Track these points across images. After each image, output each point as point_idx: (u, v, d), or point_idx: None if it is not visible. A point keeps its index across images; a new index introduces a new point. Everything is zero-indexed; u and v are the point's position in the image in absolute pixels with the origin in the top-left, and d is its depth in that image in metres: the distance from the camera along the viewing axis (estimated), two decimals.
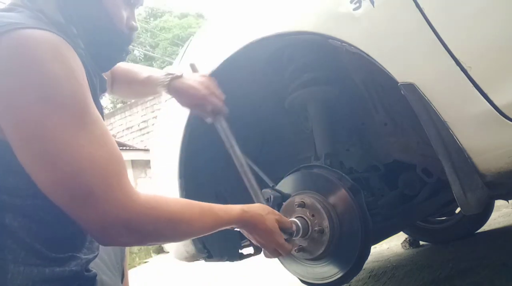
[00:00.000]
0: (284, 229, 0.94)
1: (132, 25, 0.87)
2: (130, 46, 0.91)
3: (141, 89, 1.20)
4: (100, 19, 0.80)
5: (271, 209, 0.94)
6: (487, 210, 2.13)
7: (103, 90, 0.86)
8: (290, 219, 1.00)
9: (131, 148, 9.34)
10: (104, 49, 0.84)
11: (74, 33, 0.75)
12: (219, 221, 0.81)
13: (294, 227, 0.98)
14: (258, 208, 0.91)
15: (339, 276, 1.02)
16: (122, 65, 1.17)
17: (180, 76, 1.13)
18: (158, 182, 1.45)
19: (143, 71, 1.18)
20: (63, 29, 0.72)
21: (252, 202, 1.11)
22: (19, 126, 0.60)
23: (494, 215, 2.32)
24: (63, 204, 0.63)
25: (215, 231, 0.81)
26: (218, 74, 1.23)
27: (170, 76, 1.13)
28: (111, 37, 0.83)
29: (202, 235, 0.82)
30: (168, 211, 0.71)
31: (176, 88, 1.12)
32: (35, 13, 0.71)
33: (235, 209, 0.85)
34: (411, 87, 0.82)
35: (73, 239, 0.73)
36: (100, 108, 0.78)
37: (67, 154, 0.61)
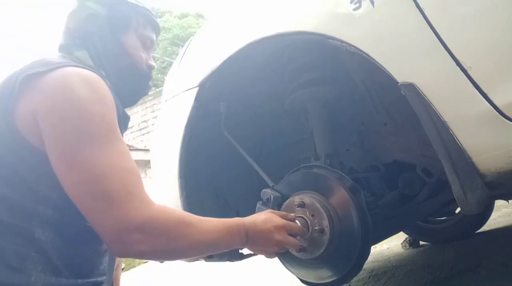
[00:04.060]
0: (293, 233, 0.95)
1: (150, 65, 1.05)
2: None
3: None
4: (124, 60, 0.98)
5: (276, 213, 0.96)
6: (487, 210, 2.13)
7: (125, 127, 0.97)
8: (296, 215, 1.01)
9: (131, 148, 9.34)
10: (129, 85, 1.01)
11: (102, 75, 0.91)
12: (221, 224, 0.84)
13: (300, 226, 0.98)
14: (257, 214, 0.94)
15: (339, 276, 1.02)
16: None
17: None
18: (158, 182, 1.45)
19: None
20: (94, 71, 0.86)
21: (253, 202, 1.12)
22: (56, 136, 0.73)
23: (494, 215, 2.32)
24: (84, 206, 0.72)
25: (221, 241, 0.83)
26: (218, 74, 1.23)
27: None
28: (134, 75, 1.01)
29: (210, 244, 0.82)
30: (176, 215, 0.78)
31: None
32: (72, 58, 0.91)
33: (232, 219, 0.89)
34: (411, 87, 0.82)
35: (88, 261, 0.82)
36: None
37: (92, 160, 0.71)
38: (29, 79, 0.76)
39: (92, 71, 0.83)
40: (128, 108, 1.05)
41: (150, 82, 1.07)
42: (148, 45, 1.05)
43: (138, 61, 1.01)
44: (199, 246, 0.80)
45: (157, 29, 1.09)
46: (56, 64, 0.79)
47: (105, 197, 0.70)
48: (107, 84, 0.84)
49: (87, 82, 0.77)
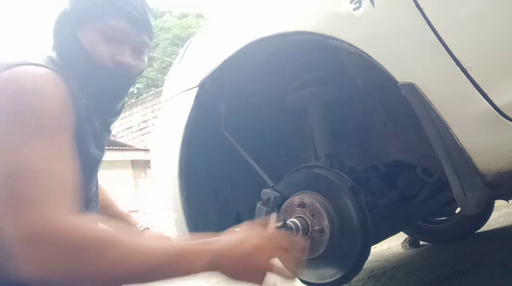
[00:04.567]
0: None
1: (117, 60, 0.89)
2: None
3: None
4: (80, 57, 0.87)
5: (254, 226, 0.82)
6: (487, 210, 2.13)
7: (107, 129, 0.95)
8: (288, 221, 1.01)
9: (131, 148, 9.35)
10: (95, 85, 0.88)
11: (70, 75, 0.83)
12: (172, 247, 0.70)
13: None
14: (232, 233, 0.77)
15: (339, 276, 1.03)
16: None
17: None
18: (158, 182, 1.45)
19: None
20: (61, 72, 0.80)
21: (253, 202, 1.11)
22: None
23: (494, 215, 2.32)
24: (2, 201, 0.62)
25: (167, 266, 0.67)
26: (218, 74, 1.23)
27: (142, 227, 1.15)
28: (96, 73, 0.87)
29: (146, 270, 0.65)
30: (98, 233, 0.63)
31: None
32: (45, 59, 0.84)
33: (198, 241, 0.74)
34: (411, 87, 0.82)
35: None
36: (100, 147, 0.89)
37: (19, 154, 0.65)
38: None
39: (54, 70, 0.78)
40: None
41: (127, 80, 0.93)
42: (111, 36, 0.88)
43: (97, 56, 0.87)
44: (123, 271, 0.64)
45: (132, 17, 0.90)
46: (13, 64, 0.75)
47: (16, 198, 0.61)
48: (71, 85, 0.79)
49: (33, 77, 0.73)
